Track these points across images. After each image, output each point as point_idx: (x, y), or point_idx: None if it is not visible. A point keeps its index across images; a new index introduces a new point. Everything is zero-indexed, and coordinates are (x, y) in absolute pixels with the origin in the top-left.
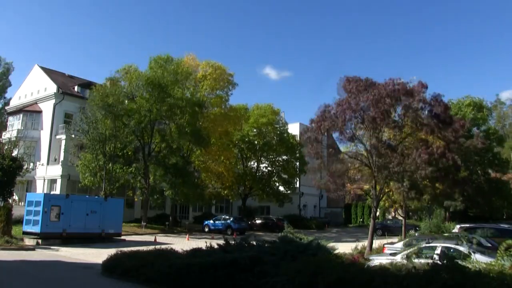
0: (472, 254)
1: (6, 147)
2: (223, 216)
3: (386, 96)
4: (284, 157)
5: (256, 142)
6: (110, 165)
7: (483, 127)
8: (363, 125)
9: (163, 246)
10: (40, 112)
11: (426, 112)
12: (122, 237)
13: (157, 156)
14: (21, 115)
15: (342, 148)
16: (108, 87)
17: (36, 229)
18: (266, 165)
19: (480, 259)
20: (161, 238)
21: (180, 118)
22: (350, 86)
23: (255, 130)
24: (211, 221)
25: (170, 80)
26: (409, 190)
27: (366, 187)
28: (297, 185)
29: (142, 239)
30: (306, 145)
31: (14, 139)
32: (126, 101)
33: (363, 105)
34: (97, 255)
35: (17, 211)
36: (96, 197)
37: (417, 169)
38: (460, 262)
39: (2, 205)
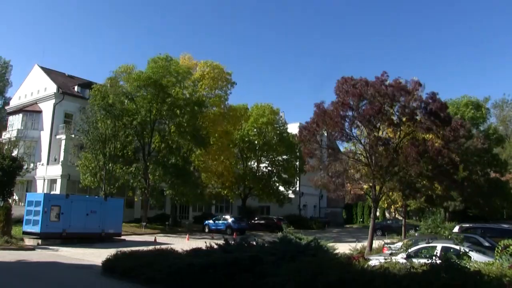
0: (472, 254)
1: (6, 147)
2: (223, 216)
3: (380, 95)
4: (284, 156)
5: (256, 142)
6: (110, 165)
7: (482, 127)
8: (360, 123)
9: (163, 246)
10: (40, 112)
11: (423, 110)
12: (122, 237)
13: (157, 156)
14: (21, 115)
15: (343, 148)
16: (108, 87)
17: (36, 229)
18: (266, 165)
19: (480, 259)
20: (161, 238)
21: (180, 118)
22: (342, 86)
23: (255, 129)
24: (211, 221)
25: (170, 80)
26: (404, 189)
27: (365, 187)
28: (297, 185)
29: (142, 239)
30: (300, 145)
31: (14, 139)
32: (126, 101)
33: (359, 103)
34: (97, 255)
35: (17, 211)
36: (96, 197)
37: (408, 165)
38: (459, 262)
39: (2, 205)
